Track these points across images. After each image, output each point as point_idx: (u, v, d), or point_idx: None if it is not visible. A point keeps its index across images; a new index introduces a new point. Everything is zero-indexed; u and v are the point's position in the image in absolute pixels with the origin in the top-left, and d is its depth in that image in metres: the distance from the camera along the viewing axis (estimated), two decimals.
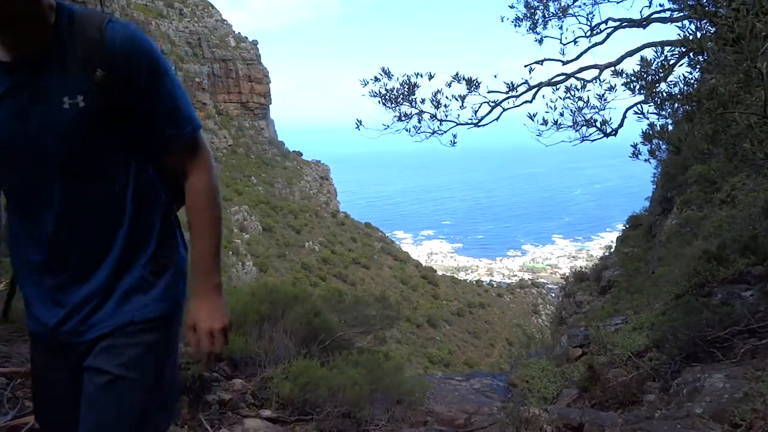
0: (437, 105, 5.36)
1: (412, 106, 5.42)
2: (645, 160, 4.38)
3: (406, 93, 5.35)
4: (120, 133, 1.46)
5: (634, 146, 4.15)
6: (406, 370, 6.39)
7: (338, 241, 55.51)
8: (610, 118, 4.79)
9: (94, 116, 1.39)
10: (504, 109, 5.58)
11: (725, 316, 4.52)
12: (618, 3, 5.15)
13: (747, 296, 5.06)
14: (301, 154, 72.78)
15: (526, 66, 5.55)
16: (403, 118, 5.45)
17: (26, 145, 1.39)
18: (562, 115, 4.87)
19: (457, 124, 5.49)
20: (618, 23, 5.15)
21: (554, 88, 5.21)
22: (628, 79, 4.06)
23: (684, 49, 3.89)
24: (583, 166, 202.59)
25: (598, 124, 4.76)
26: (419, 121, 5.47)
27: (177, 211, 1.65)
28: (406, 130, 5.50)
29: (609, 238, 54.00)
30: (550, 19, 5.26)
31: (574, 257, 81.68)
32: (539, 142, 4.94)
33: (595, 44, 5.31)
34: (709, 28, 3.52)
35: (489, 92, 5.43)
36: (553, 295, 46.21)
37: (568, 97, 4.90)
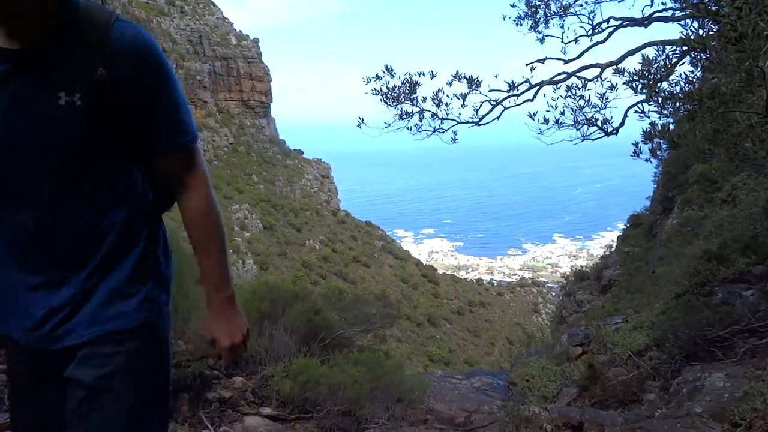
0: (438, 103, 5.36)
1: (413, 105, 5.42)
2: (646, 160, 4.39)
3: (407, 91, 5.35)
4: (114, 135, 1.39)
5: (636, 145, 4.14)
6: (407, 369, 6.39)
7: (339, 239, 55.52)
8: (611, 117, 4.79)
9: (90, 116, 1.33)
10: (505, 108, 5.58)
11: (725, 316, 4.52)
12: (619, 2, 5.18)
13: (747, 296, 5.07)
14: (302, 153, 72.78)
15: (527, 64, 5.55)
16: (404, 117, 5.45)
17: (13, 138, 1.32)
18: (563, 113, 4.88)
19: (458, 123, 5.49)
20: (619, 22, 5.15)
21: (555, 86, 5.21)
22: (630, 78, 4.05)
23: (686, 48, 3.89)
24: (584, 165, 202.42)
25: (599, 123, 4.76)
26: (420, 120, 5.48)
27: (162, 213, 1.61)
28: (408, 128, 5.50)
29: (610, 237, 53.97)
30: (552, 18, 5.25)
31: (574, 256, 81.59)
32: (540, 140, 4.94)
33: (597, 43, 5.30)
34: (712, 26, 3.51)
35: (490, 91, 5.44)
36: (554, 294, 46.17)
37: (569, 96, 4.90)
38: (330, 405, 3.62)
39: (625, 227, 18.78)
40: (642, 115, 3.93)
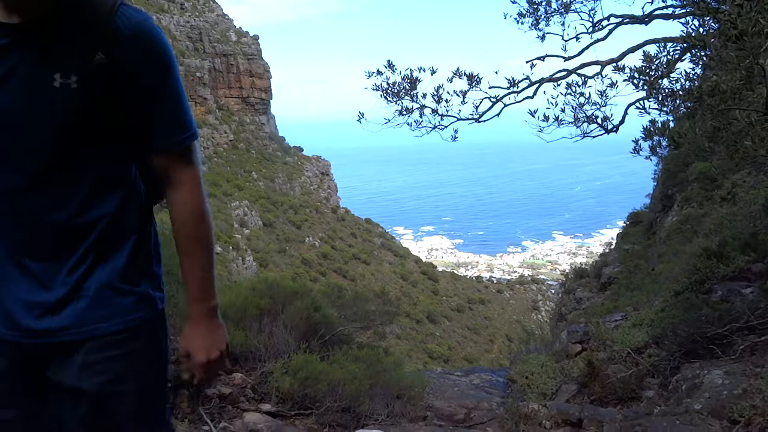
0: (438, 100, 5.36)
1: (413, 101, 5.41)
2: (646, 157, 4.38)
3: (407, 87, 5.35)
4: (108, 123, 1.33)
5: (635, 142, 4.14)
6: (406, 366, 6.40)
7: (338, 236, 55.52)
8: (612, 115, 4.78)
9: (84, 100, 1.26)
10: (505, 105, 5.57)
11: (725, 313, 4.52)
12: None
13: (747, 293, 5.07)
14: (302, 150, 72.70)
15: (527, 62, 5.55)
16: (404, 113, 5.45)
17: (1, 114, 1.25)
18: (563, 111, 4.87)
19: (458, 119, 5.49)
20: (620, 20, 5.14)
21: (555, 84, 5.21)
22: (631, 74, 4.05)
23: (686, 46, 3.88)
24: (584, 163, 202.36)
25: (599, 121, 4.75)
26: (420, 116, 5.47)
27: (153, 205, 1.55)
28: (408, 124, 5.50)
29: (609, 234, 54.03)
30: (552, 16, 5.25)
31: (574, 254, 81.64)
32: (540, 138, 4.94)
33: (597, 40, 5.30)
34: (712, 24, 3.51)
35: (490, 88, 5.43)
36: (553, 291, 46.20)
37: (570, 93, 4.89)
38: (329, 401, 3.62)
39: (624, 225, 18.79)
40: (642, 111, 3.92)
